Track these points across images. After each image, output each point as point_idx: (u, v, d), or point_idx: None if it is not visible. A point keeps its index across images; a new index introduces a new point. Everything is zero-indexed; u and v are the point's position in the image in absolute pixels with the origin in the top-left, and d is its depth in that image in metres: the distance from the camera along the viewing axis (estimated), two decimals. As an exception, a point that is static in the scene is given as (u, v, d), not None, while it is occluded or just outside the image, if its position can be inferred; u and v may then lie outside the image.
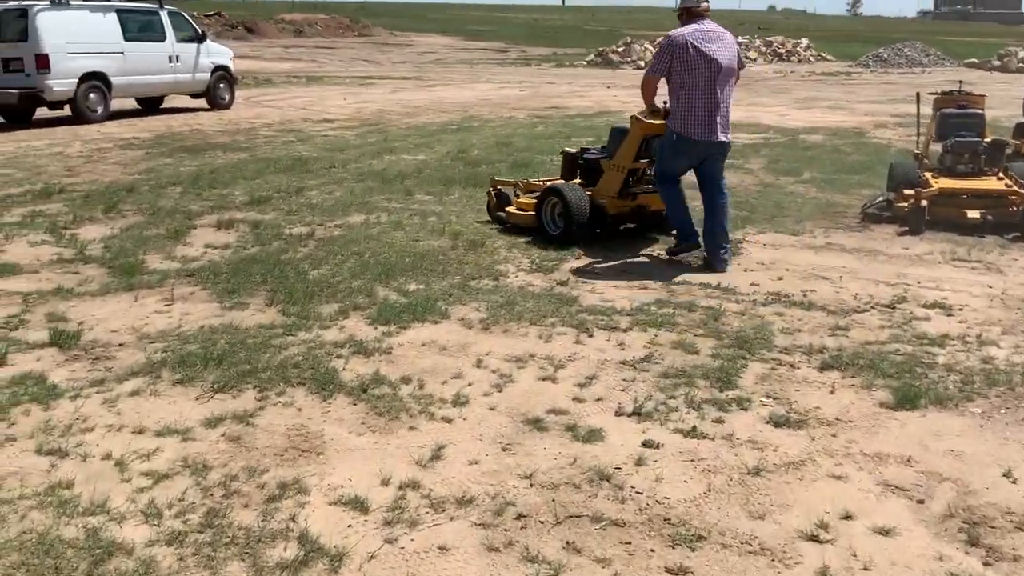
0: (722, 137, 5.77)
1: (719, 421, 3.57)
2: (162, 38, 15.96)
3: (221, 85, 17.23)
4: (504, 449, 3.33)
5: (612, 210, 6.38)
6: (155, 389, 3.82)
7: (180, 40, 16.29)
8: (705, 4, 5.75)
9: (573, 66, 37.64)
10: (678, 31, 5.72)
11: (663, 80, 5.87)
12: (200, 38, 16.79)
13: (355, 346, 4.34)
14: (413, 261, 5.90)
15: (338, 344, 4.37)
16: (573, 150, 6.96)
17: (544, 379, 3.98)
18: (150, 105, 17.18)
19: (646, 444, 3.36)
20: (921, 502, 3.02)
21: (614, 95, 21.67)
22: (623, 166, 6.29)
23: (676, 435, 3.44)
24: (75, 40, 14.23)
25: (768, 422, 3.57)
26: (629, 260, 6.04)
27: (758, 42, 46.62)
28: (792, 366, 4.17)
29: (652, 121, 6.05)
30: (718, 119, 5.69)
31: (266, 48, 48.05)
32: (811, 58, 45.32)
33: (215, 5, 72.15)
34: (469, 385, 3.90)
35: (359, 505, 2.94)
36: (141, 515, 2.87)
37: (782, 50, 45.67)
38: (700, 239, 5.95)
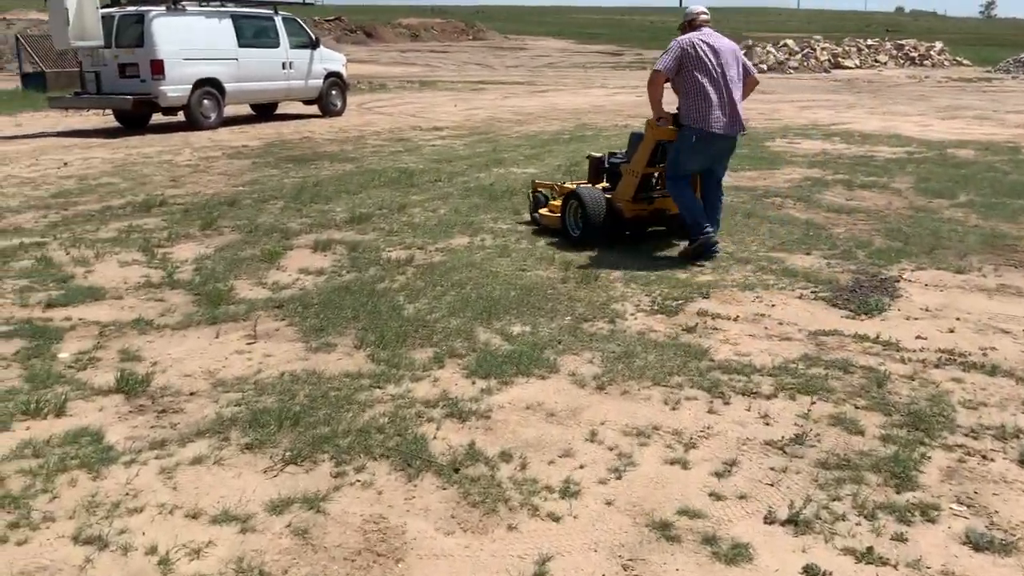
0: (733, 132, 6.05)
1: (901, 539, 2.80)
2: (276, 44, 15.90)
3: (333, 92, 17.11)
4: (625, 567, 2.66)
5: (628, 213, 6.55)
6: (220, 456, 3.31)
7: (294, 46, 16.21)
8: (705, 16, 6.13)
9: (690, 70, 36.46)
10: (685, 35, 6.09)
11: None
12: (314, 44, 16.67)
13: (449, 406, 3.75)
14: (519, 296, 5.29)
15: (430, 403, 3.78)
16: (599, 154, 7.15)
17: (672, 462, 3.28)
18: (264, 111, 17.22)
19: (809, 571, 2.62)
20: None
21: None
22: (637, 171, 6.43)
23: (847, 558, 2.70)
24: (190, 46, 14.27)
25: (965, 543, 2.78)
26: (764, 300, 5.26)
27: (888, 45, 44.32)
28: (984, 457, 3.34)
29: (670, 127, 6.18)
30: (731, 115, 5.96)
31: (383, 52, 48.63)
32: (946, 62, 42.81)
33: (335, 10, 73.87)
34: (581, 467, 3.25)
35: (442, 644, 2.33)
36: (178, 641, 2.34)
37: (914, 54, 43.29)
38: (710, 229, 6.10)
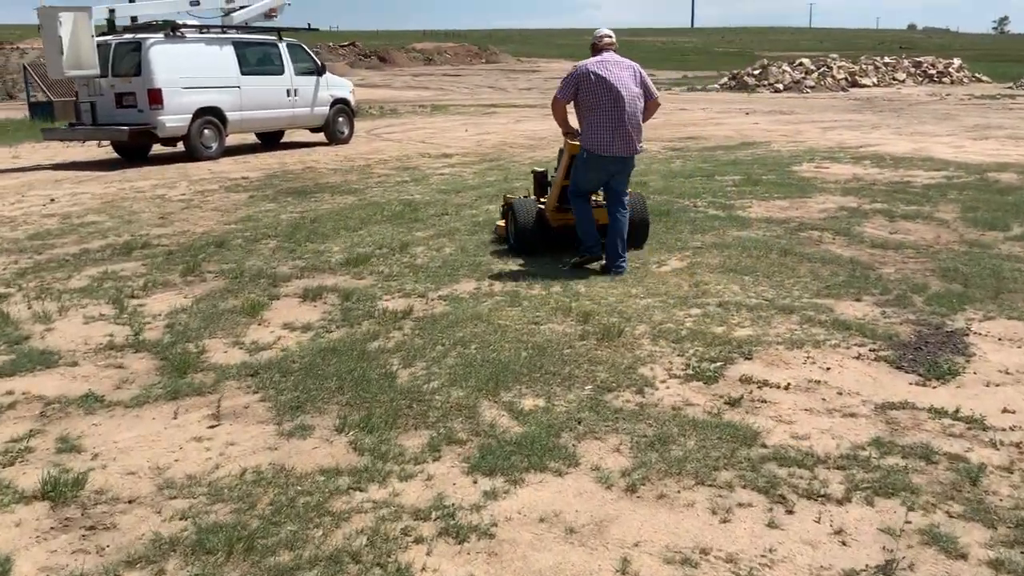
0: (624, 153, 6.34)
1: None
2: (280, 71, 15.35)
3: (340, 119, 16.54)
4: None
5: (554, 222, 7.03)
6: (150, 599, 2.61)
7: (299, 73, 15.65)
8: (608, 40, 6.46)
9: (706, 90, 35.90)
10: (583, 62, 6.43)
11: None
12: (319, 70, 16.12)
13: (444, 518, 3.03)
14: (530, 357, 4.58)
15: (420, 513, 3.07)
16: (541, 169, 7.70)
17: (729, 606, 2.56)
18: (269, 140, 16.66)
19: None
20: None
21: (755, 122, 19.97)
22: (558, 182, 6.92)
23: None
24: (189, 74, 13.72)
25: None
26: (816, 362, 4.52)
27: (906, 62, 43.62)
28: None
29: (579, 143, 6.49)
30: (621, 137, 6.26)
31: (396, 76, 48.43)
32: (965, 79, 42.13)
33: (350, 35, 74.06)
34: (612, 615, 2.53)
35: None
36: None
37: (932, 71, 42.62)
38: (601, 251, 6.46)
